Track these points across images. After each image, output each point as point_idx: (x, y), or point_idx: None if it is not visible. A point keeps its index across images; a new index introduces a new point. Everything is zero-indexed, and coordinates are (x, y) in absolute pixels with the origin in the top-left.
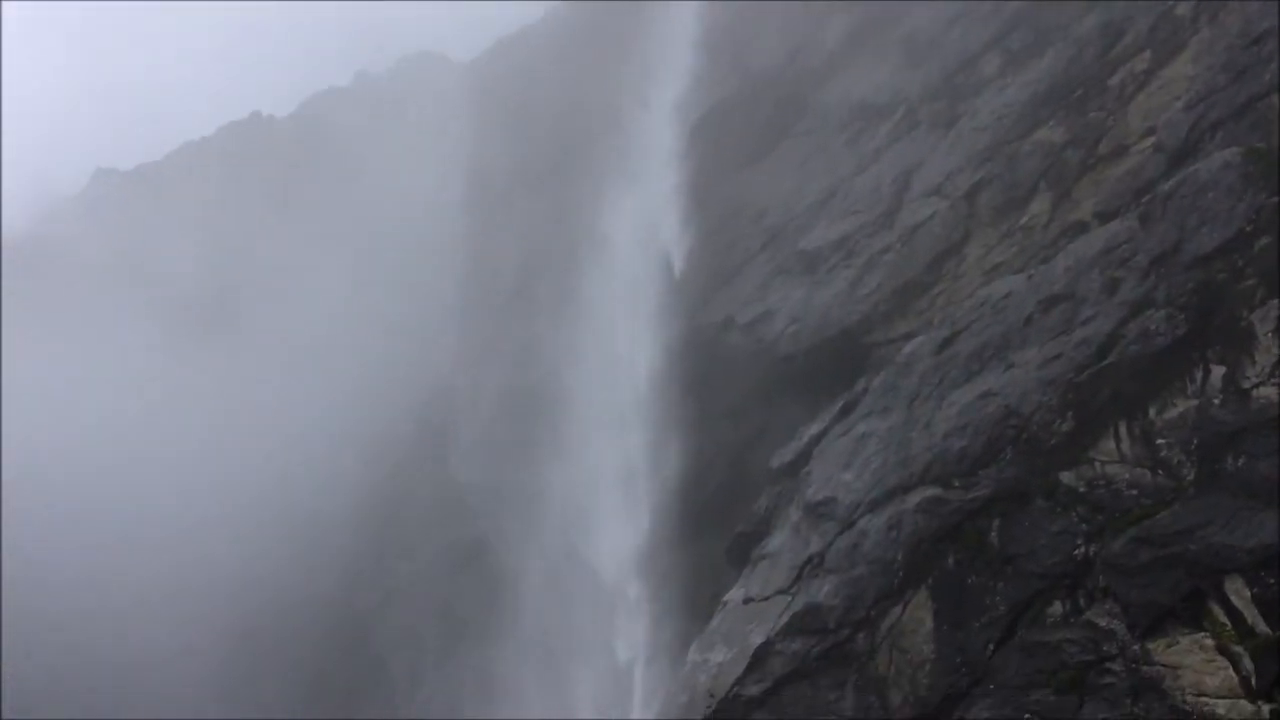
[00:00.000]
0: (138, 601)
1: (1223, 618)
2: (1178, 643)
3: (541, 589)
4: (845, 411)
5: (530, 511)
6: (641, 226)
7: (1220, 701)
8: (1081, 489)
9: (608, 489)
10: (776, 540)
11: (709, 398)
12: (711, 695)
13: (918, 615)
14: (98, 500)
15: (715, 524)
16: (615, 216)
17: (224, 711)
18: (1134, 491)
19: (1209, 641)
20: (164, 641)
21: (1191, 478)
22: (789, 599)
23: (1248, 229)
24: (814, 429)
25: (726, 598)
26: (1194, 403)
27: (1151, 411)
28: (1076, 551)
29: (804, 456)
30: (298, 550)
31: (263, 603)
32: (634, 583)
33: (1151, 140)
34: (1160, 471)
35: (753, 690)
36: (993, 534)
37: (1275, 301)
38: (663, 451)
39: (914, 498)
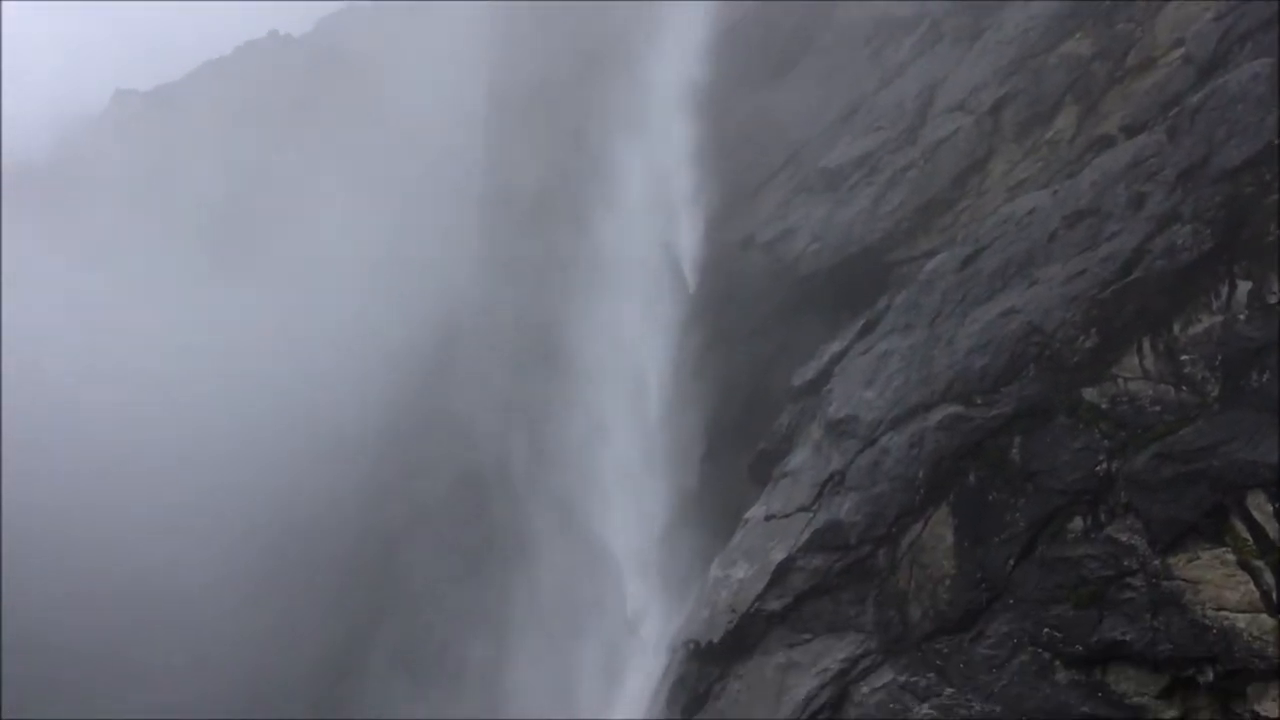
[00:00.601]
0: (159, 523)
1: (1244, 533)
2: (1199, 558)
3: (551, 539)
4: (867, 329)
5: (538, 451)
6: (656, 150)
7: (1240, 615)
8: (1104, 406)
9: (617, 443)
10: (798, 458)
11: (730, 317)
12: (733, 610)
13: (938, 531)
14: (117, 421)
15: (737, 442)
16: (629, 139)
17: (249, 630)
18: (1157, 408)
19: (1230, 556)
20: (186, 562)
21: (1215, 394)
22: (810, 516)
23: (1276, 142)
24: (835, 347)
25: (748, 515)
26: (1219, 318)
27: (1176, 327)
28: (1098, 468)
29: (825, 374)
30: (322, 469)
31: (286, 522)
32: (644, 568)
33: (1180, 52)
34: (1184, 388)
35: (774, 605)
36: (1014, 451)
37: None
38: (680, 394)
39: (936, 415)
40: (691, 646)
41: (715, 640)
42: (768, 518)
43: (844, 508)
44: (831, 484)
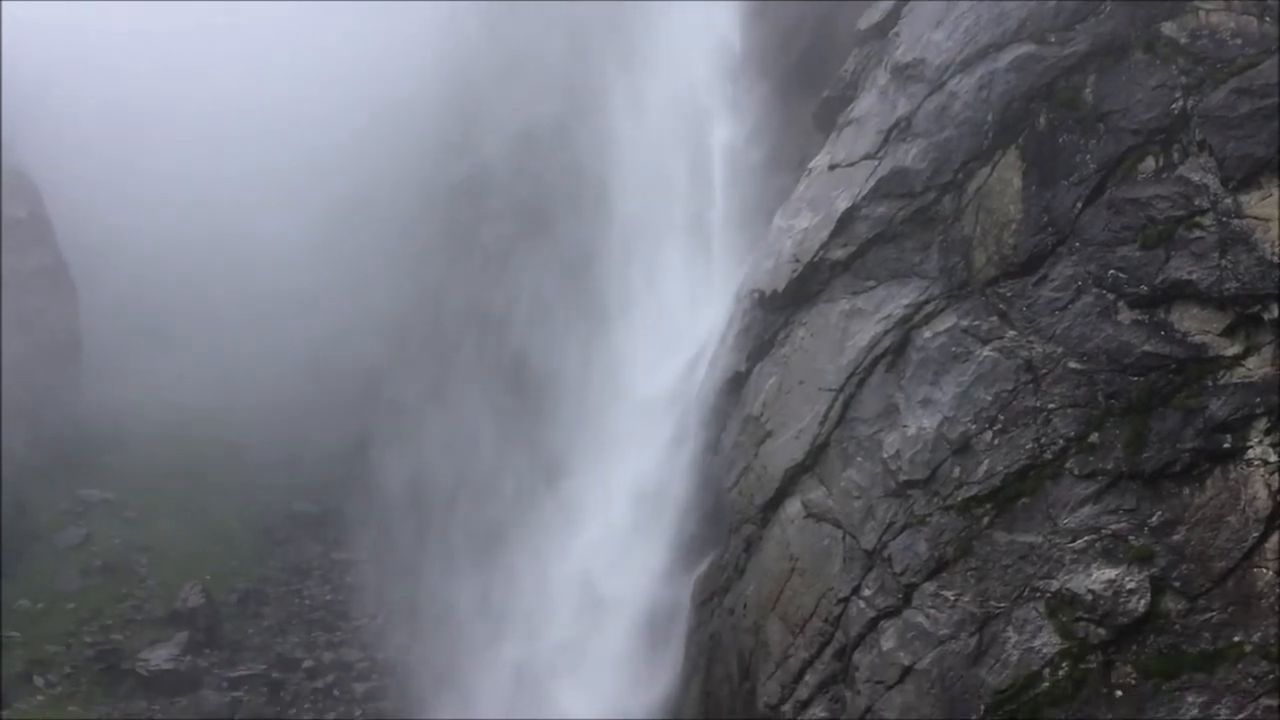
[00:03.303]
0: (234, 178)
1: None
2: (1271, 195)
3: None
4: None
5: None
6: None
7: None
8: (1183, 40)
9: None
10: (863, 104)
11: None
12: (797, 260)
13: (1006, 176)
14: (186, 99)
15: (800, 89)
16: None
17: (329, 284)
18: (1238, 41)
19: None
20: (262, 212)
21: None
22: (875, 163)
23: None
24: None
25: (812, 164)
26: None
27: None
28: (1174, 105)
29: (893, 16)
30: (387, 129)
31: (357, 181)
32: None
33: None
34: (1267, 19)
35: (838, 254)
36: (1087, 91)
37: None
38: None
39: (1007, 56)
40: (756, 296)
41: (779, 289)
42: (832, 166)
43: (910, 154)
44: (897, 130)
